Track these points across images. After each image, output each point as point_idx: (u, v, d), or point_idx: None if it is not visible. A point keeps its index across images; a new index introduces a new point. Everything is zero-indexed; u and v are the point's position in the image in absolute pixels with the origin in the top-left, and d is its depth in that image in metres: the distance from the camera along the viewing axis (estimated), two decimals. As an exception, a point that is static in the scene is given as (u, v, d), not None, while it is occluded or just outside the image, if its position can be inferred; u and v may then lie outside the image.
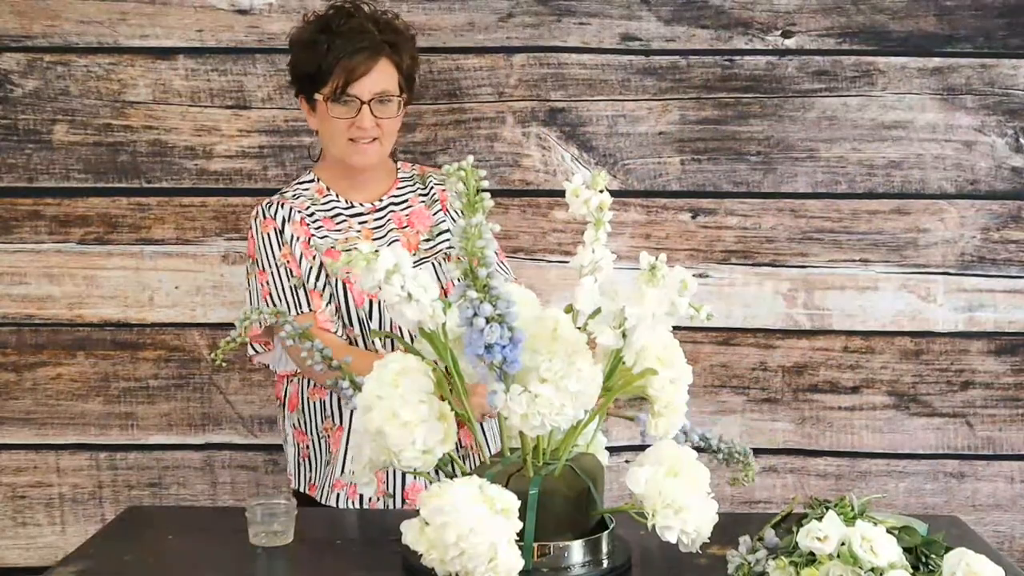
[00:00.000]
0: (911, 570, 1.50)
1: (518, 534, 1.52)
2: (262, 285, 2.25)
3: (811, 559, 1.50)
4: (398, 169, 2.41)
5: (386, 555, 1.76)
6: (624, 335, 1.54)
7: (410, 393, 1.58)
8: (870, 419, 2.81)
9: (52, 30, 2.73)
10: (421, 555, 1.53)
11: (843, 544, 1.49)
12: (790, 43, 2.74)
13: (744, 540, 1.64)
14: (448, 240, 2.31)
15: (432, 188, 2.39)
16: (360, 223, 2.30)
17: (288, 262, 2.24)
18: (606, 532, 1.68)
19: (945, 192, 2.77)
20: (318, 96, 2.23)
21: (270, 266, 2.25)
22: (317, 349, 1.83)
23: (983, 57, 2.73)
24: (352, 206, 2.32)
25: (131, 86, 2.74)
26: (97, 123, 2.75)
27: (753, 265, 2.78)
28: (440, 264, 2.30)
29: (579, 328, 1.60)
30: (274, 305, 2.22)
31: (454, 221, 2.34)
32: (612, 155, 2.76)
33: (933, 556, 1.54)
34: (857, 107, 2.74)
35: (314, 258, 2.24)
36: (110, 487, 2.83)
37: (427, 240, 2.32)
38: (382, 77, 2.23)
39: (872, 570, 1.46)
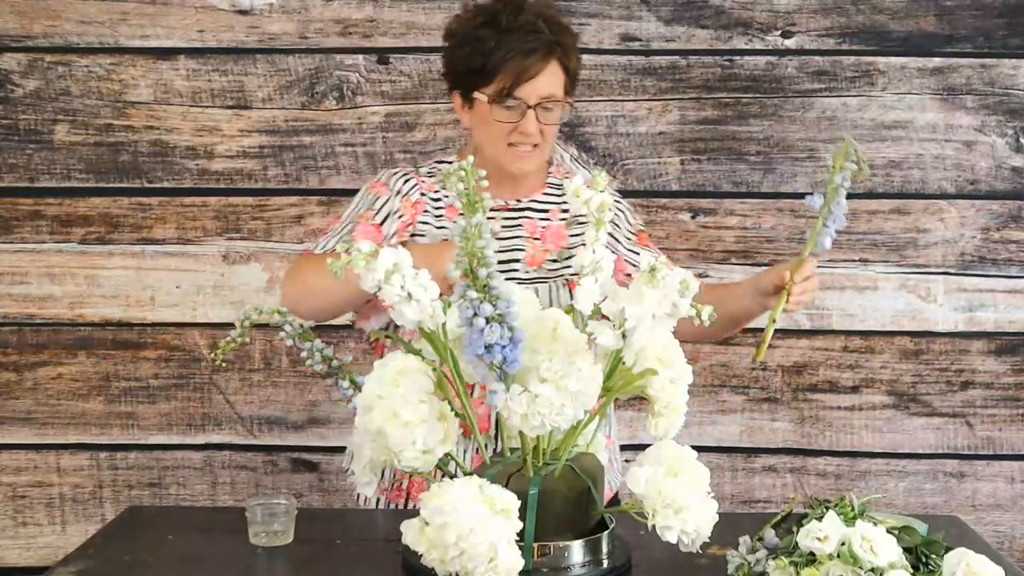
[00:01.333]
0: (911, 570, 1.50)
1: (518, 534, 1.52)
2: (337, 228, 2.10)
3: (811, 559, 1.50)
4: (549, 173, 2.18)
5: (386, 555, 1.76)
6: (624, 335, 1.54)
7: (410, 393, 1.58)
8: (870, 419, 2.81)
9: (53, 30, 2.73)
10: (421, 555, 1.53)
11: (843, 544, 1.49)
12: (790, 43, 2.74)
13: (744, 540, 1.64)
14: (572, 266, 2.07)
15: None
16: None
17: (359, 224, 2.07)
18: (606, 532, 1.68)
19: (945, 192, 2.77)
20: (479, 95, 2.03)
21: (347, 218, 2.11)
22: (317, 350, 1.83)
23: (983, 57, 2.73)
24: None
25: (132, 86, 2.74)
26: (98, 123, 2.75)
27: (753, 265, 2.78)
28: (557, 289, 2.10)
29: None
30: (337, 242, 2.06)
31: (618, 242, 2.16)
32: (612, 155, 2.76)
33: (933, 556, 1.54)
34: (857, 107, 2.74)
35: (403, 244, 2.03)
36: (110, 487, 2.83)
37: (554, 260, 2.12)
38: (551, 80, 2.02)
39: (872, 570, 1.46)
